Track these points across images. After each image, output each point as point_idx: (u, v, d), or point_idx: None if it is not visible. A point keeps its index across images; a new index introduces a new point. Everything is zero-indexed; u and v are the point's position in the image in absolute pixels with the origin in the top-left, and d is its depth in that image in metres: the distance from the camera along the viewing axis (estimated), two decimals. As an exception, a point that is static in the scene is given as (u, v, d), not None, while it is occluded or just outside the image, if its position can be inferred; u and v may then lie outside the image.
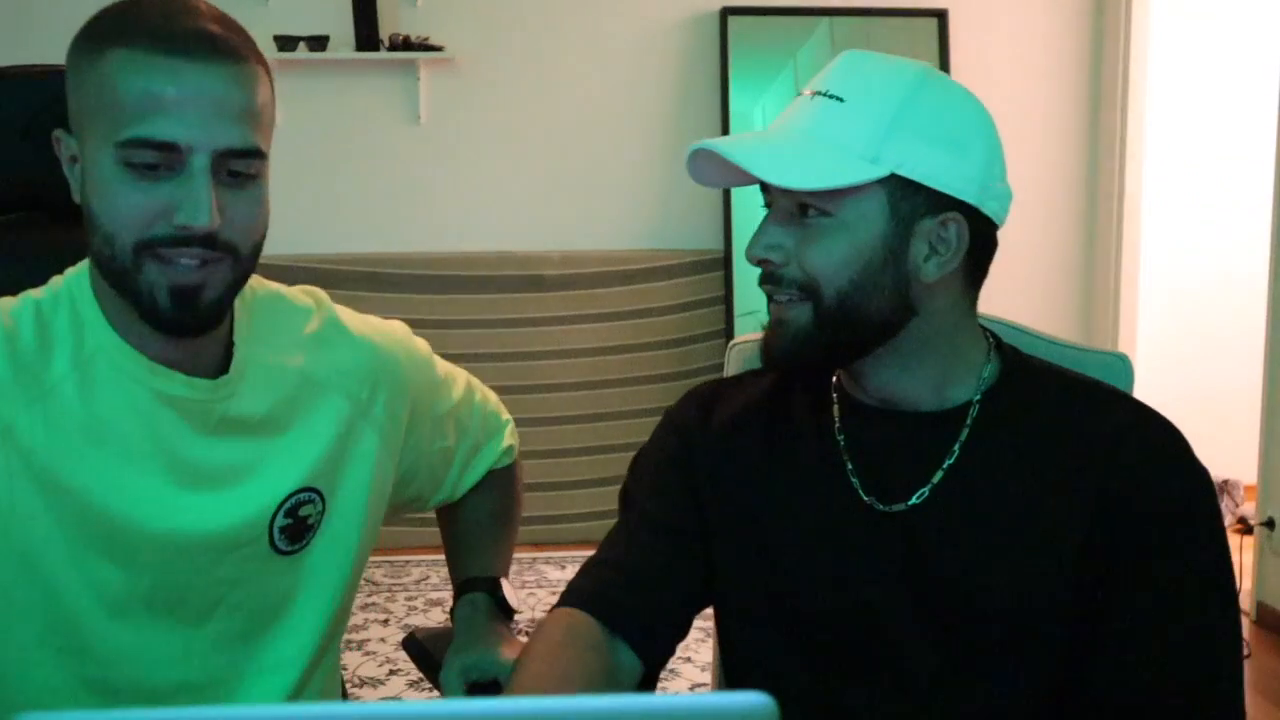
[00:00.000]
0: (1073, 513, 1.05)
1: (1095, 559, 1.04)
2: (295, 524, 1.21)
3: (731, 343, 1.38)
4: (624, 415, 3.83)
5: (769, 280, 1.09)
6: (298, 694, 1.26)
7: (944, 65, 3.96)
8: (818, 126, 1.06)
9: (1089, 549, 1.04)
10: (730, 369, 1.39)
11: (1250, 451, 3.45)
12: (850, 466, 1.12)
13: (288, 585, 1.23)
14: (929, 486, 1.09)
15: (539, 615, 3.26)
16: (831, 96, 1.07)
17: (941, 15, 3.99)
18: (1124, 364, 1.27)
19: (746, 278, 3.88)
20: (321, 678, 1.29)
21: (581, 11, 4.00)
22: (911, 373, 1.10)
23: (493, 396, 1.49)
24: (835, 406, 1.15)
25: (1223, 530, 1.06)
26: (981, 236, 1.08)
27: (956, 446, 1.09)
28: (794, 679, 1.13)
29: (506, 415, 1.50)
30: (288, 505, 1.20)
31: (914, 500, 1.09)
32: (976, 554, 1.06)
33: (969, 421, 1.09)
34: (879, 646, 1.09)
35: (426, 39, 3.89)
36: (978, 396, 1.10)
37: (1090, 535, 1.04)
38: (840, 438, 1.13)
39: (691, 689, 2.86)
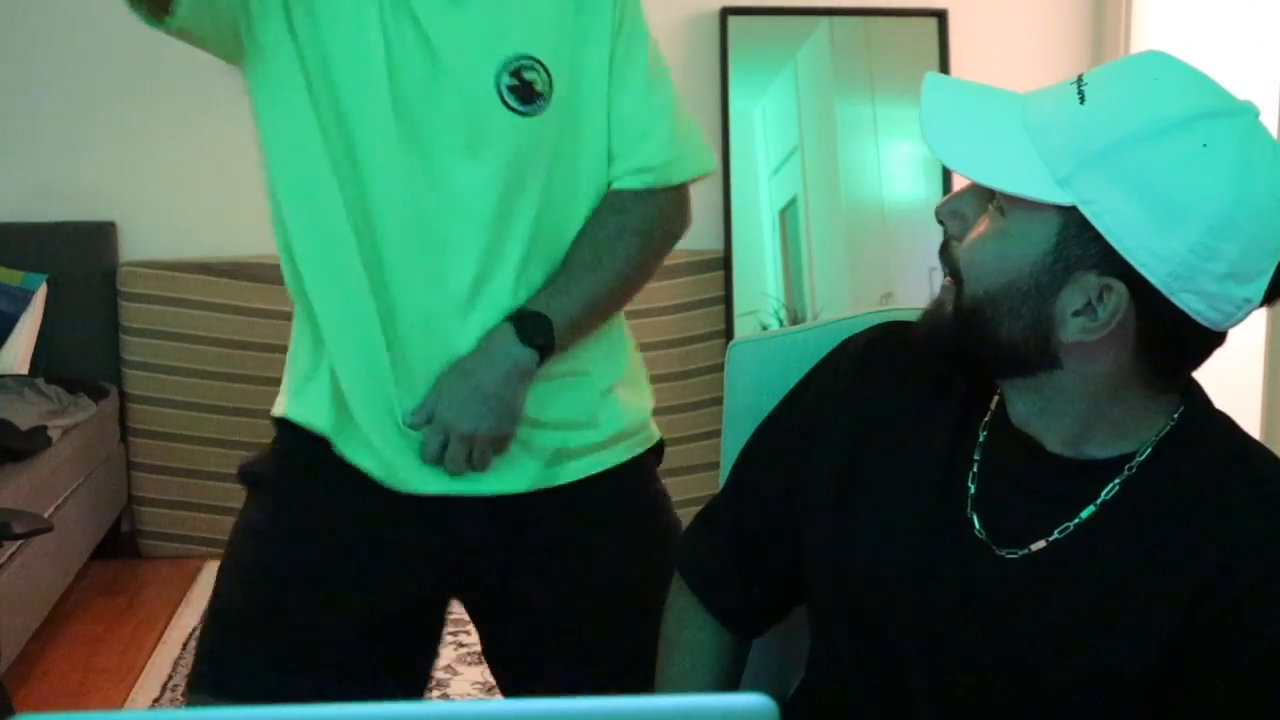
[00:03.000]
0: (1179, 597, 0.95)
1: (1188, 642, 0.95)
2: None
3: (731, 343, 1.38)
4: (624, 415, 3.83)
5: (942, 248, 1.01)
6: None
7: (944, 66, 3.96)
8: (1039, 116, 0.94)
9: (1183, 629, 0.95)
10: (730, 369, 1.38)
11: (1250, 452, 3.45)
12: (973, 484, 1.04)
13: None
14: (1029, 549, 1.00)
15: (539, 615, 3.25)
16: (1081, 90, 0.93)
17: (941, 15, 3.99)
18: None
19: (747, 278, 3.88)
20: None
21: (581, 11, 3.99)
22: (1048, 418, 1.00)
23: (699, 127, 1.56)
24: (993, 403, 1.06)
25: None
26: (1165, 325, 0.93)
27: (1075, 520, 0.99)
28: (862, 686, 1.08)
29: (709, 152, 1.56)
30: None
31: (1025, 551, 1.00)
32: (1044, 630, 0.99)
33: (1105, 493, 0.99)
34: (929, 668, 1.03)
35: (426, 39, 3.88)
36: (1120, 477, 0.99)
37: (1187, 616, 0.94)
38: (980, 441, 1.05)
39: (691, 689, 2.86)
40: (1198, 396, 1.03)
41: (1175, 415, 1.00)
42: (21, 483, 2.91)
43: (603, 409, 1.52)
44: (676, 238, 1.55)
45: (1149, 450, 0.98)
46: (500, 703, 0.53)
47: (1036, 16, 4.15)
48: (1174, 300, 0.91)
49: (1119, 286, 0.91)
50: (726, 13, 3.91)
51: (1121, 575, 0.97)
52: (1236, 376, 4.28)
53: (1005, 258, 0.95)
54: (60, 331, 3.75)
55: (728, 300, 3.90)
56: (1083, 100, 0.93)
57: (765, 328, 3.76)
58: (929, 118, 0.97)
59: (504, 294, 1.43)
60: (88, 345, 3.80)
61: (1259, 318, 3.64)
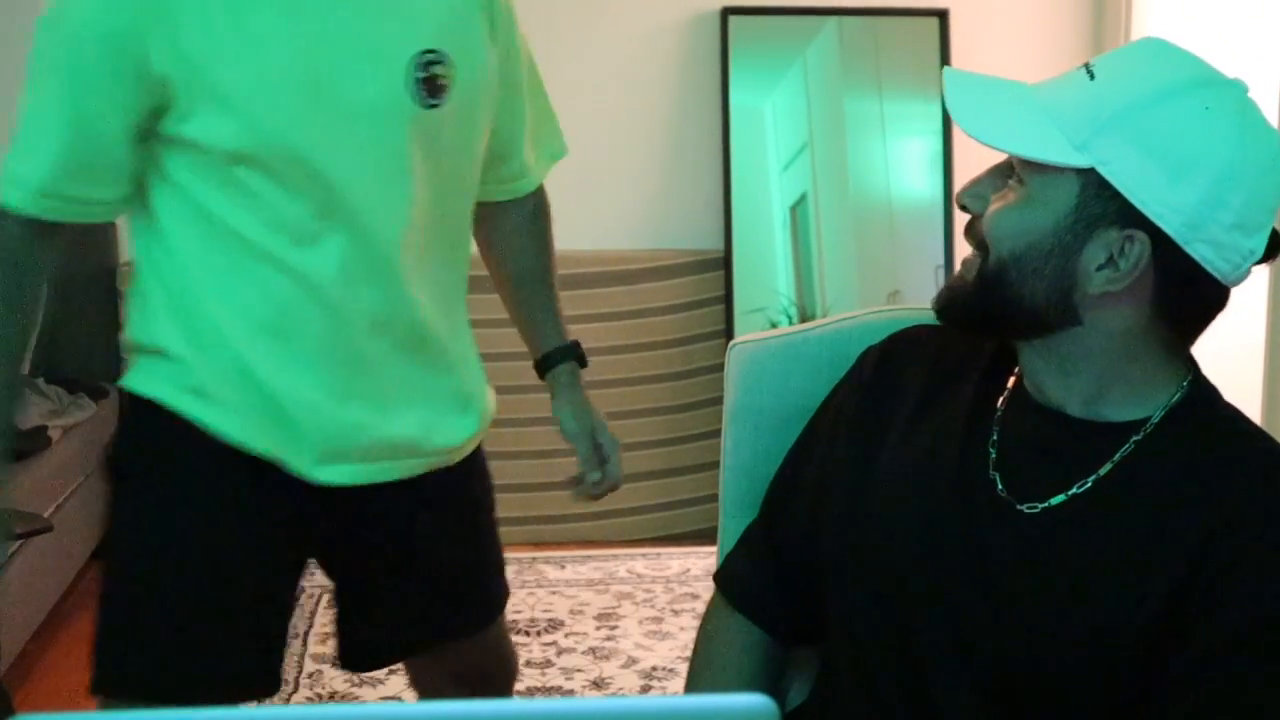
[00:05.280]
0: (1168, 573, 1.00)
1: (1182, 601, 0.99)
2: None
3: (732, 343, 1.38)
4: (624, 415, 3.82)
5: (969, 230, 1.07)
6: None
7: (945, 65, 3.96)
8: (1052, 95, 1.02)
9: (1178, 590, 1.00)
10: (730, 369, 1.38)
11: (1250, 452, 3.45)
12: (994, 447, 1.09)
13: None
14: (1050, 502, 1.05)
15: (538, 615, 3.26)
16: (1089, 70, 1.02)
17: (942, 15, 3.99)
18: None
19: (747, 278, 3.88)
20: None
21: (581, 12, 4.00)
22: (1066, 378, 1.05)
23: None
24: (1011, 380, 1.12)
25: None
26: (1180, 275, 1.00)
27: (1094, 475, 1.04)
28: (881, 656, 1.11)
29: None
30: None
31: (1045, 504, 1.05)
32: (1064, 583, 1.03)
33: (1118, 455, 1.04)
34: (952, 631, 1.07)
35: (426, 39, 3.88)
36: (1136, 436, 1.04)
37: (1183, 577, 0.99)
38: (999, 411, 1.10)
39: (691, 689, 2.86)
40: (1201, 373, 1.10)
41: (1185, 383, 1.07)
42: (21, 483, 2.90)
43: (482, 403, 1.69)
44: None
45: (1162, 413, 1.04)
46: (500, 703, 0.53)
47: (1037, 16, 4.15)
48: (1188, 250, 0.98)
49: (1140, 235, 0.98)
50: (727, 12, 3.91)
51: (1132, 530, 1.02)
52: (1237, 376, 4.28)
53: (1028, 221, 1.01)
54: (60, 331, 3.75)
55: (728, 300, 3.90)
56: (1093, 77, 1.00)
57: (774, 325, 3.76)
58: (955, 102, 1.03)
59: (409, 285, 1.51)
60: (88, 345, 3.80)
61: (1259, 318, 3.64)
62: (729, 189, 3.91)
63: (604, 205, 4.05)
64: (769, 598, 1.24)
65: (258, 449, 1.49)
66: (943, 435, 1.12)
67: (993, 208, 1.04)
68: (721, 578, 1.29)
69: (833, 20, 3.92)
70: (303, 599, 3.48)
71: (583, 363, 1.76)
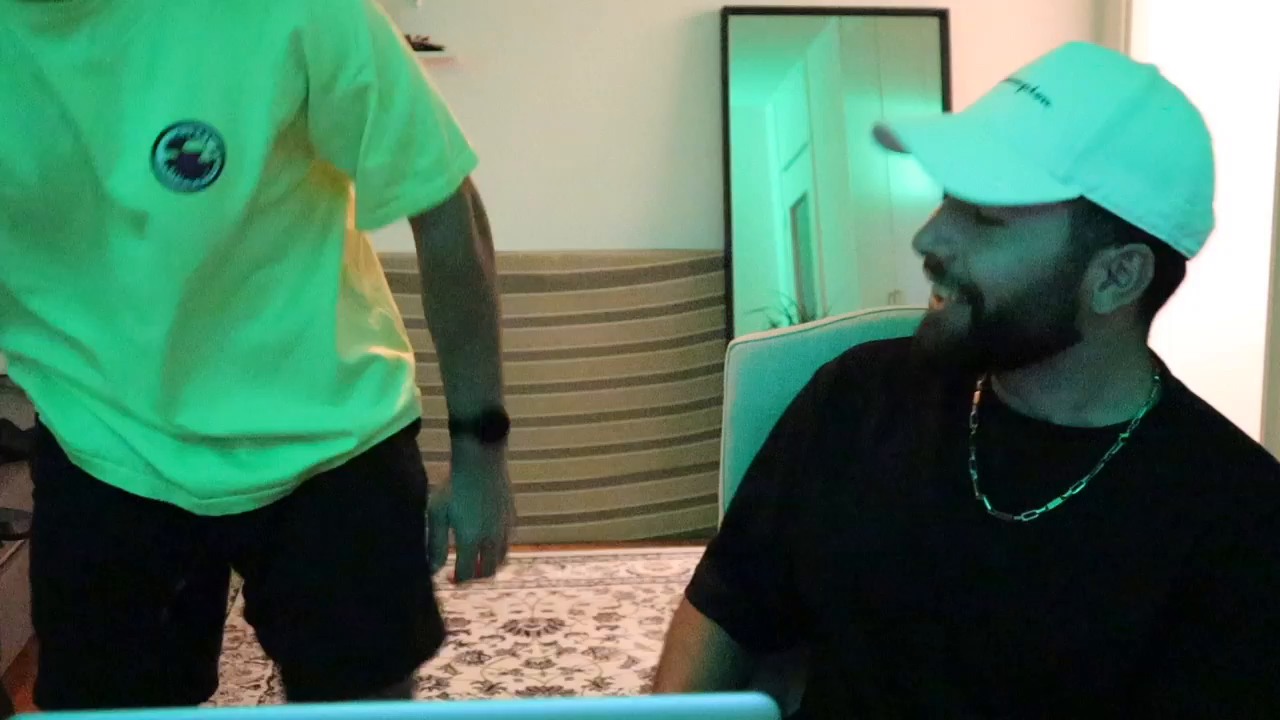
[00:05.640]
0: (1169, 565, 1.00)
1: (1181, 600, 1.00)
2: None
3: (731, 343, 1.38)
4: (624, 415, 3.83)
5: (933, 271, 1.04)
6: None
7: (944, 65, 3.97)
8: (1013, 128, 0.99)
9: (1176, 590, 1.00)
10: (730, 369, 1.38)
11: (1250, 452, 3.45)
12: (973, 460, 1.08)
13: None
14: (1041, 511, 1.05)
15: (538, 615, 3.26)
16: (1038, 95, 0.98)
17: (942, 15, 3.99)
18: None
19: (746, 278, 3.88)
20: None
21: (581, 12, 4.00)
22: (1057, 390, 1.05)
23: (454, 124, 1.45)
24: (977, 394, 1.11)
25: None
26: (1171, 274, 1.02)
27: (1085, 480, 1.04)
28: (869, 672, 1.11)
29: (470, 150, 1.47)
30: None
31: (1023, 518, 1.05)
32: (1064, 589, 1.03)
33: (1106, 457, 1.04)
34: (944, 645, 1.06)
35: (426, 39, 3.88)
36: (1124, 434, 1.05)
37: (1180, 578, 1.00)
38: (973, 426, 1.09)
39: (691, 689, 2.86)
40: (1166, 367, 1.12)
41: (1157, 378, 1.08)
42: (22, 482, 2.90)
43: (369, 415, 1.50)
44: (486, 223, 1.52)
45: (1144, 412, 1.06)
46: (500, 703, 0.52)
47: (1037, 16, 4.15)
48: (1177, 248, 1.00)
49: (1140, 249, 0.99)
50: (727, 12, 3.91)
51: (1128, 530, 1.02)
52: (1237, 376, 4.28)
53: (1025, 260, 0.99)
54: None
55: (728, 300, 3.90)
56: (1049, 103, 0.98)
57: (774, 325, 3.76)
58: (924, 155, 1.00)
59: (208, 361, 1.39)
60: (88, 345, 3.79)
61: (1259, 318, 3.63)
62: (729, 189, 3.91)
63: (604, 205, 4.05)
64: (737, 607, 1.24)
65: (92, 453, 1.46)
66: (914, 455, 1.11)
67: (976, 253, 1.01)
68: (690, 588, 1.30)
69: (833, 20, 3.92)
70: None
71: (492, 435, 1.51)
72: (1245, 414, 3.77)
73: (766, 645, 1.27)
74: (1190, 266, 1.06)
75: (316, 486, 1.49)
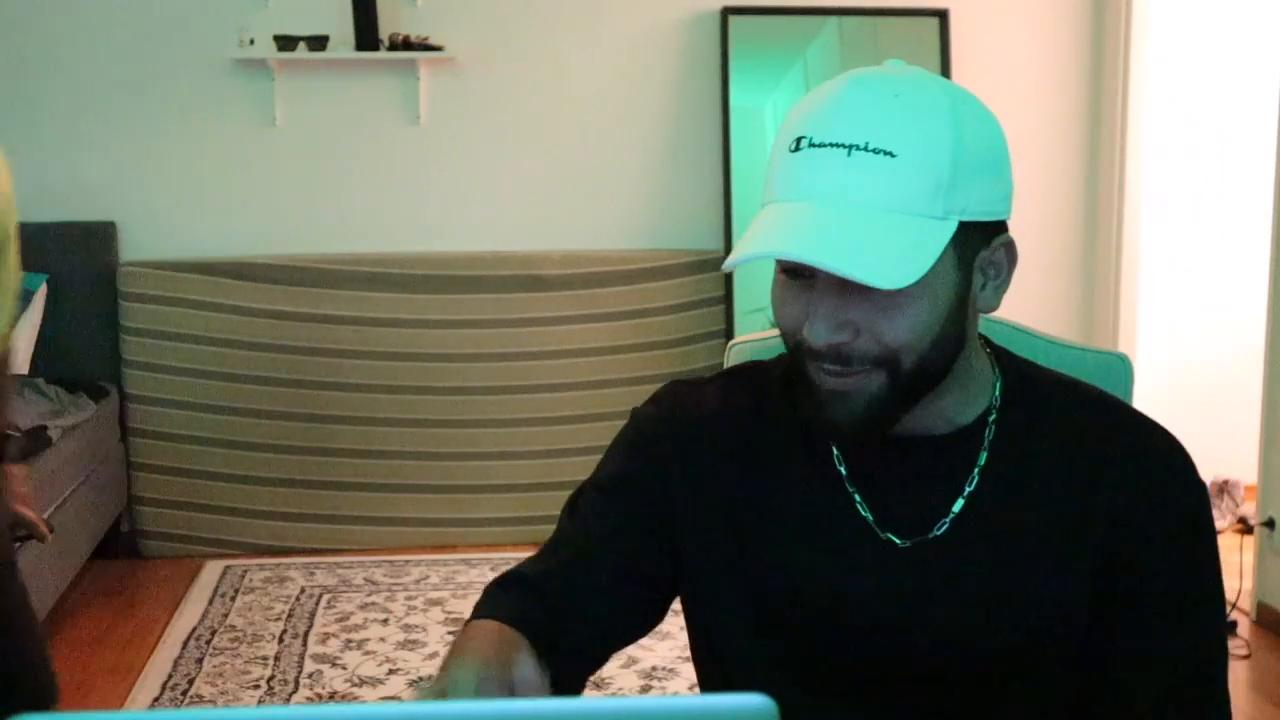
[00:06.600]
0: (1088, 535, 1.03)
1: (1108, 579, 1.03)
2: None
3: (731, 343, 1.38)
4: (624, 415, 3.82)
5: (834, 359, 0.98)
6: None
7: (944, 65, 3.97)
8: (876, 193, 0.95)
9: (1103, 571, 1.03)
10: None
11: (1250, 451, 3.45)
12: (859, 498, 1.06)
13: None
14: (950, 517, 1.04)
15: (539, 615, 3.25)
16: (875, 150, 0.95)
17: (942, 15, 3.99)
18: (1124, 364, 1.26)
19: (747, 278, 3.88)
20: None
21: (581, 11, 4.00)
22: (940, 400, 1.04)
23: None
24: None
25: (1216, 540, 1.07)
26: (1012, 245, 1.03)
27: (976, 472, 1.05)
28: (790, 697, 1.10)
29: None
30: None
31: (936, 532, 1.04)
32: (998, 582, 1.04)
33: (985, 445, 1.05)
34: (880, 670, 1.06)
35: (426, 39, 3.89)
36: (993, 417, 1.06)
37: (1104, 557, 1.03)
38: (841, 468, 1.07)
39: (691, 689, 2.86)
40: (989, 340, 1.12)
41: (989, 352, 1.09)
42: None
43: None
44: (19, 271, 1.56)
45: (999, 391, 1.07)
46: (500, 702, 0.52)
47: (1037, 16, 4.15)
48: (1008, 217, 1.03)
49: (1003, 236, 1.02)
50: (727, 12, 3.91)
51: (1037, 506, 1.04)
52: (1236, 376, 4.28)
53: (935, 306, 0.98)
54: (60, 331, 3.76)
55: (728, 300, 3.90)
56: (894, 154, 0.95)
57: (774, 325, 3.76)
58: (826, 263, 0.93)
59: None
60: (88, 345, 3.80)
61: (1258, 318, 3.62)
62: (729, 189, 3.91)
63: (604, 205, 4.06)
64: (544, 628, 1.06)
65: None
66: (797, 516, 1.07)
67: (887, 323, 0.96)
68: (482, 608, 1.09)
69: (833, 20, 3.93)
70: (302, 599, 3.48)
71: None
72: (1245, 414, 3.77)
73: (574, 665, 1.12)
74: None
75: None
